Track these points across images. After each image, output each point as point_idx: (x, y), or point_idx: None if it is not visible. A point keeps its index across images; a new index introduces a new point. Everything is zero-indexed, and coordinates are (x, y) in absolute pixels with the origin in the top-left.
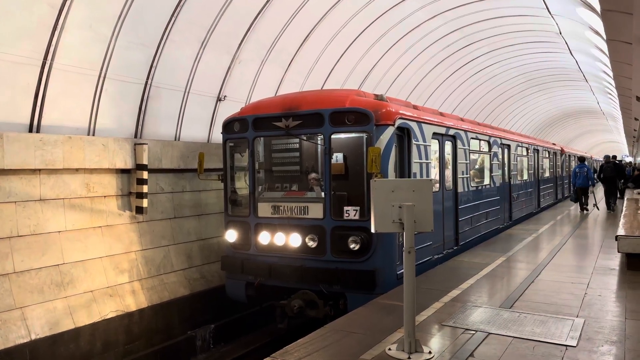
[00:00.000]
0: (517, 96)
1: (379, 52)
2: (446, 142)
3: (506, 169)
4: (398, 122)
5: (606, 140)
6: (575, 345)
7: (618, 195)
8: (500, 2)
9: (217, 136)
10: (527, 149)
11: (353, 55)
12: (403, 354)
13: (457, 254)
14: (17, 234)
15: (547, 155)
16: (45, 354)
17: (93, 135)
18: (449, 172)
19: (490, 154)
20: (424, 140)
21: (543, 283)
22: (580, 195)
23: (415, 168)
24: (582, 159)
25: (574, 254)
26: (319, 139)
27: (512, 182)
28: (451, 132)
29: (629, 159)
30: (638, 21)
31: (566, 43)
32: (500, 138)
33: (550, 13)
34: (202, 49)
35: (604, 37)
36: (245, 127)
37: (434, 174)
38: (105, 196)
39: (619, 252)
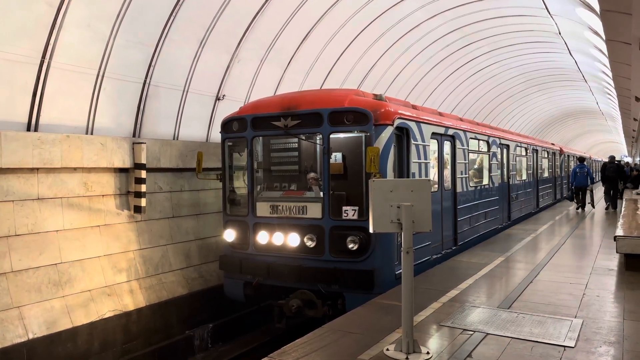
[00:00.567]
0: (517, 96)
1: (378, 52)
2: (445, 142)
3: (505, 169)
4: (397, 122)
5: (605, 141)
6: (573, 345)
7: (619, 195)
8: (500, 2)
9: (216, 135)
10: (526, 149)
11: (352, 55)
12: (401, 354)
13: (456, 254)
14: (15, 233)
15: (546, 156)
16: (43, 354)
17: (91, 134)
18: (447, 172)
19: (489, 154)
20: (423, 140)
21: (541, 283)
22: (578, 194)
23: (414, 168)
24: (582, 159)
25: (573, 254)
26: (317, 138)
27: (511, 182)
28: (450, 132)
29: (627, 159)
30: (637, 22)
31: (565, 43)
32: (499, 138)
33: (549, 13)
34: (201, 48)
35: (603, 37)
36: (244, 126)
37: (433, 174)
38: (103, 195)
39: (617, 252)
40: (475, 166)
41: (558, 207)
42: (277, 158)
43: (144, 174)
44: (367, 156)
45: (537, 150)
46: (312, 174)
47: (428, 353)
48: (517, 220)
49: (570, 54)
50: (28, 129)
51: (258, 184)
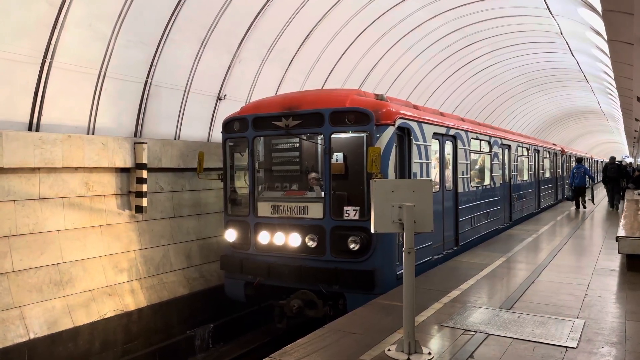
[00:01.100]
0: (518, 96)
1: (379, 52)
2: (446, 142)
3: (506, 169)
4: (398, 122)
5: (607, 141)
6: (575, 346)
7: (621, 195)
8: (501, 2)
9: (217, 135)
10: (528, 150)
11: (353, 55)
12: (402, 354)
13: (457, 255)
14: (16, 232)
15: (547, 156)
16: (44, 353)
17: (92, 134)
18: (449, 172)
19: (490, 154)
20: (425, 140)
21: (543, 284)
22: (578, 194)
23: (415, 168)
24: (579, 160)
25: (574, 255)
26: (319, 138)
27: (512, 183)
28: (452, 132)
29: (629, 160)
30: (639, 21)
31: (567, 43)
32: (500, 138)
33: (551, 13)
34: (203, 48)
35: (605, 37)
36: (245, 126)
37: (434, 174)
38: (104, 195)
39: (619, 253)
40: (477, 166)
41: (559, 207)
42: (279, 158)
43: (145, 173)
44: (369, 156)
45: (538, 151)
46: (313, 174)
47: (429, 353)
48: (518, 220)
49: (572, 54)
50: (29, 129)
51: (259, 184)
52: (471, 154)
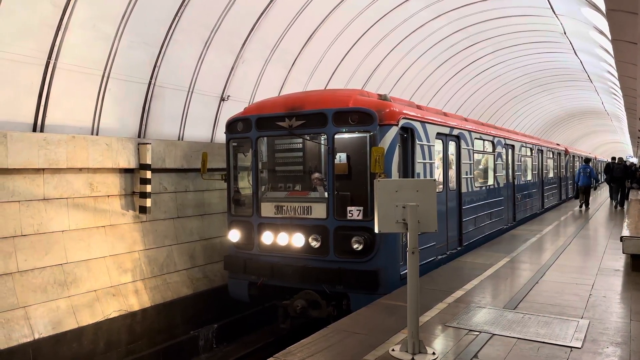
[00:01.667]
0: (521, 96)
1: (382, 52)
2: (450, 142)
3: (510, 169)
4: (402, 122)
5: (610, 141)
6: (580, 346)
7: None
8: (504, 2)
9: (221, 136)
10: (531, 150)
11: (357, 55)
12: (407, 354)
13: (461, 255)
14: (21, 233)
15: (551, 156)
16: (49, 353)
17: (97, 134)
18: (452, 173)
19: (494, 154)
20: (428, 140)
21: (547, 284)
22: (583, 193)
23: (418, 168)
24: (587, 160)
25: (579, 255)
26: (322, 138)
27: (516, 183)
28: (455, 132)
29: (633, 160)
30: None
31: (570, 43)
32: (504, 138)
33: (554, 13)
34: (206, 49)
35: (609, 37)
36: (249, 126)
37: (438, 174)
38: (108, 196)
39: (623, 253)
40: (480, 166)
41: (563, 207)
42: (282, 158)
43: (149, 174)
44: (372, 156)
45: (542, 151)
46: (316, 174)
47: (434, 354)
48: (522, 220)
49: (576, 53)
50: (34, 130)
51: (262, 184)
52: (475, 154)
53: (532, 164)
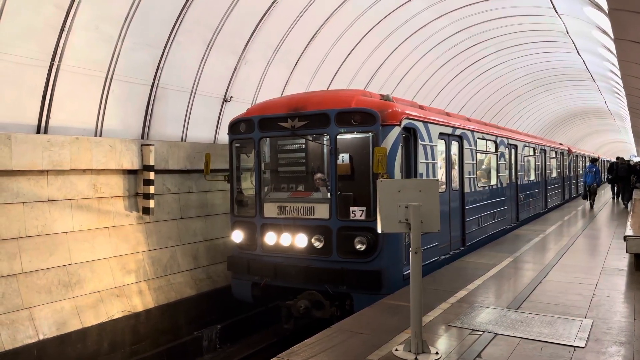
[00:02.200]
0: (524, 96)
1: (385, 52)
2: (453, 142)
3: (513, 169)
4: (404, 122)
5: (614, 140)
6: (583, 346)
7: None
8: (507, 1)
9: (224, 137)
10: (534, 149)
11: (359, 56)
12: (410, 354)
13: (464, 255)
14: (25, 234)
15: (554, 156)
16: (53, 354)
17: (100, 136)
18: (455, 173)
19: (497, 154)
20: (431, 141)
21: (551, 284)
22: (588, 192)
23: (421, 168)
24: (593, 160)
25: (582, 255)
26: (325, 139)
27: (519, 183)
28: (458, 132)
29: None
30: None
31: (573, 42)
32: (507, 138)
33: (557, 12)
34: (209, 50)
35: (612, 36)
36: (252, 127)
37: (441, 174)
38: (112, 197)
39: (627, 252)
40: (483, 166)
41: (567, 207)
42: (285, 159)
43: (152, 175)
44: (375, 156)
45: (545, 151)
46: (319, 175)
47: (437, 353)
48: (525, 220)
49: (578, 53)
50: (38, 131)
51: (265, 185)
52: (477, 154)
53: (535, 163)
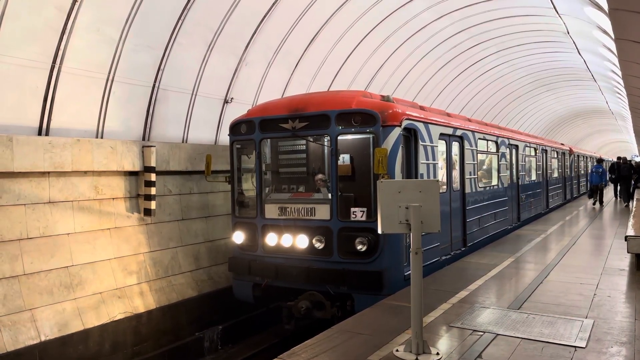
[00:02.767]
0: (525, 96)
1: (385, 53)
2: (453, 142)
3: (514, 169)
4: (405, 123)
5: (615, 140)
6: (584, 346)
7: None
8: (507, 2)
9: (224, 138)
10: (536, 149)
11: (360, 57)
12: (411, 355)
13: (465, 255)
14: (27, 236)
15: (555, 156)
16: (55, 355)
17: (101, 138)
18: (456, 173)
19: (498, 155)
20: (431, 141)
21: (552, 284)
22: (595, 191)
23: (422, 169)
24: (599, 161)
25: (583, 255)
26: (325, 140)
27: (520, 183)
28: (458, 132)
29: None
30: None
31: (574, 42)
32: (508, 138)
33: (557, 12)
34: (209, 52)
35: (612, 36)
36: (252, 128)
37: (441, 174)
38: (113, 198)
39: (628, 252)
40: (484, 167)
41: (568, 207)
42: (285, 160)
43: (153, 176)
44: (375, 157)
45: (546, 151)
46: (319, 176)
47: (438, 354)
48: (526, 220)
49: (579, 53)
50: (39, 133)
51: (266, 186)
52: (478, 154)
53: (536, 164)
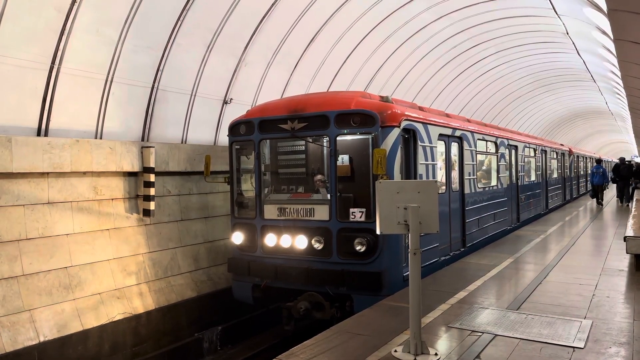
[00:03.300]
0: (525, 97)
1: (385, 54)
2: (452, 143)
3: (513, 170)
4: (404, 124)
5: (615, 141)
6: (582, 347)
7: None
8: (507, 2)
9: (224, 139)
10: (535, 150)
11: (359, 57)
12: (409, 355)
13: (465, 256)
14: (26, 236)
15: (555, 156)
16: (54, 356)
17: (100, 138)
18: (455, 174)
19: (497, 155)
20: (430, 142)
21: (551, 284)
22: (597, 191)
23: (421, 169)
24: (599, 161)
25: (583, 255)
26: (324, 140)
27: (519, 183)
28: (457, 133)
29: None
30: None
31: (573, 43)
32: (507, 139)
33: (556, 13)
34: (209, 52)
35: (611, 36)
36: (252, 129)
37: (441, 175)
38: (112, 199)
39: (627, 253)
40: (484, 167)
41: (568, 207)
42: (285, 161)
43: (152, 177)
44: (374, 158)
45: (545, 151)
46: (318, 176)
47: (436, 354)
48: (526, 221)
49: (579, 54)
50: (38, 134)
51: (265, 186)
52: (478, 155)
53: (535, 164)
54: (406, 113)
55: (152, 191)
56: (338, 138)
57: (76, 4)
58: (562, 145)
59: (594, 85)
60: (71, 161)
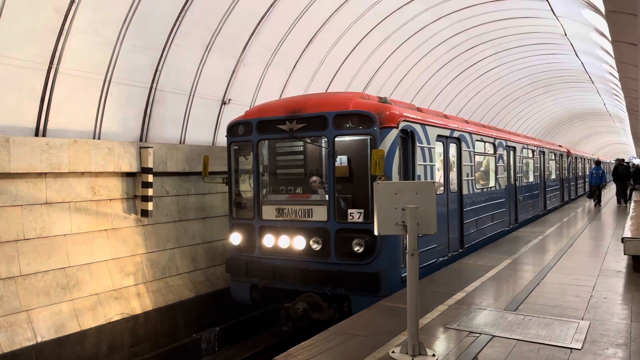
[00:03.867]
0: (523, 98)
1: (383, 55)
2: (451, 144)
3: (512, 171)
4: (402, 125)
5: (613, 142)
6: (580, 348)
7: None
8: (505, 4)
9: (222, 139)
10: (533, 151)
11: (357, 58)
12: (407, 356)
13: (462, 257)
14: (24, 237)
15: (553, 157)
16: (51, 357)
17: (98, 139)
18: (453, 175)
19: (495, 156)
20: (428, 143)
21: (549, 285)
22: (595, 192)
23: (419, 170)
24: (598, 162)
25: (580, 256)
26: (322, 141)
27: (517, 184)
28: (456, 134)
29: (635, 161)
30: None
31: (571, 45)
32: (505, 140)
33: (555, 15)
34: (207, 53)
35: (609, 38)
36: (250, 130)
37: (439, 176)
38: (110, 199)
39: (625, 254)
40: (482, 168)
41: (566, 208)
42: (283, 161)
43: (150, 178)
44: (372, 159)
45: (544, 152)
46: (314, 177)
47: (434, 355)
48: (524, 222)
49: (577, 55)
50: (36, 134)
51: (264, 187)
52: (476, 156)
53: (534, 165)
54: (404, 114)
55: (150, 192)
56: (336, 139)
57: (74, 4)
58: (560, 146)
59: (592, 86)
60: (69, 161)
